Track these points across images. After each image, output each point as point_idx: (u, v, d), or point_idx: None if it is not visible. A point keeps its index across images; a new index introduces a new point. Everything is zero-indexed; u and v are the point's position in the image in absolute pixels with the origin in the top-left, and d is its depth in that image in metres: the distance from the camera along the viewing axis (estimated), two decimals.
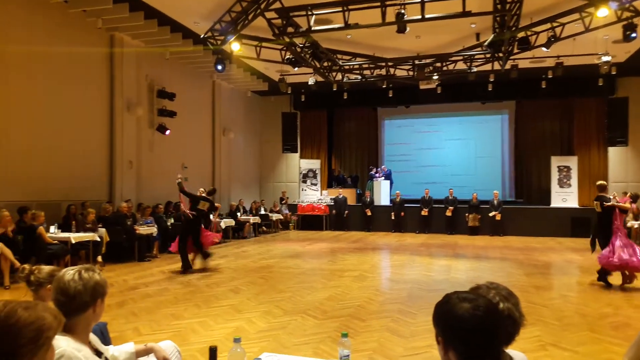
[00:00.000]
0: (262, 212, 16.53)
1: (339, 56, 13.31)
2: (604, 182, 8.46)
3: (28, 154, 9.42)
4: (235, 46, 11.06)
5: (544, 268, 9.59)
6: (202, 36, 11.10)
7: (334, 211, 17.50)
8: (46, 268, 2.81)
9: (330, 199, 17.86)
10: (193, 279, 8.06)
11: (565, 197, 16.41)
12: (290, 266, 9.40)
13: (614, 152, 16.55)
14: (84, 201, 10.15)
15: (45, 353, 1.30)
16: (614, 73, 13.16)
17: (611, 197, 8.06)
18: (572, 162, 16.61)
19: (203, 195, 9.36)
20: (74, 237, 8.65)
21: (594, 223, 8.77)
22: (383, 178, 17.93)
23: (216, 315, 5.67)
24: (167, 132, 13.00)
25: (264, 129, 19.55)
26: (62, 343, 1.88)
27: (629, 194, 14.01)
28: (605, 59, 11.73)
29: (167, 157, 13.34)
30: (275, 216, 16.98)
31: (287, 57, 12.17)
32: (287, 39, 10.85)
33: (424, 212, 16.61)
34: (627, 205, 7.90)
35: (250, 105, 18.55)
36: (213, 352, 2.08)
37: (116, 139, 11.56)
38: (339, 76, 14.42)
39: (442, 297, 1.54)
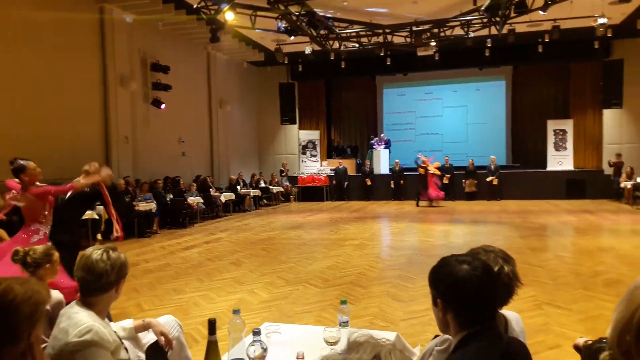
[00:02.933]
0: (262, 184, 16.63)
1: (336, 24, 13.14)
2: None
3: (17, 130, 9.09)
4: (229, 15, 10.90)
5: (539, 230, 9.79)
6: (195, 6, 10.92)
7: (334, 182, 17.61)
8: (40, 248, 2.86)
9: (330, 169, 17.94)
10: (194, 253, 8.20)
11: (561, 160, 16.54)
12: (292, 237, 9.55)
13: (608, 115, 16.58)
14: None
15: (40, 326, 1.32)
16: (610, 35, 13.07)
17: None
18: (568, 125, 16.66)
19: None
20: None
21: None
22: (383, 147, 17.97)
23: (218, 288, 5.78)
24: (163, 106, 12.95)
25: (261, 100, 19.43)
26: (86, 318, 1.93)
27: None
28: (601, 21, 11.63)
29: (163, 132, 13.33)
30: (275, 188, 17.09)
31: (283, 25, 12.01)
32: (282, 7, 10.70)
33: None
34: None
35: (246, 76, 18.39)
36: (212, 324, 2.08)
37: (110, 114, 11.50)
38: (336, 45, 14.26)
39: (439, 260, 1.57)
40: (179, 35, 13.80)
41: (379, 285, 5.67)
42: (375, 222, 11.82)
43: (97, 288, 2.00)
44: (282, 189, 17.45)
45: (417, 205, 15.00)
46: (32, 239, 4.30)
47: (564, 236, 9.25)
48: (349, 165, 17.92)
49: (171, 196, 11.89)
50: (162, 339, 2.38)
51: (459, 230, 10.00)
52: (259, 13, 11.45)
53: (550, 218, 11.54)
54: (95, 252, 2.03)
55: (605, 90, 16.40)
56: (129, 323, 2.42)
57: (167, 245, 9.14)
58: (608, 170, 15.64)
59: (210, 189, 13.41)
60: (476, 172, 16.40)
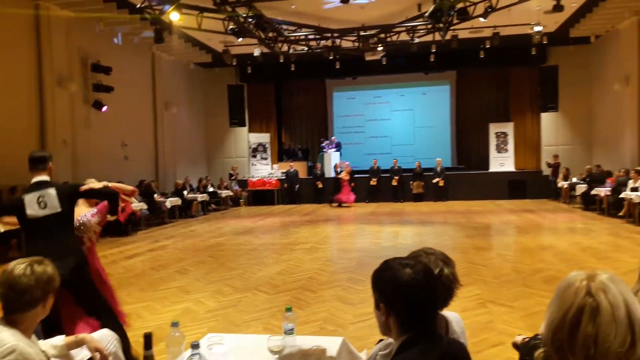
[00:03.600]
0: (211, 189, 16.28)
1: (284, 27, 13.10)
2: None
3: None
4: (174, 16, 10.60)
5: (483, 230, 10.14)
6: (138, 5, 10.55)
7: (285, 185, 17.51)
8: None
9: (282, 172, 17.82)
10: (137, 262, 7.88)
11: (502, 162, 17.25)
12: (241, 243, 9.38)
13: (546, 118, 17.46)
14: (13, 186, 9.43)
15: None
16: (545, 42, 13.83)
17: None
18: (509, 128, 17.40)
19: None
20: (3, 226, 7.93)
21: None
22: (334, 150, 18.07)
23: (163, 298, 5.58)
24: (104, 108, 12.43)
25: (209, 102, 19.03)
26: (10, 338, 1.80)
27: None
28: (537, 28, 12.27)
29: (105, 135, 12.77)
30: (224, 193, 16.78)
31: (230, 27, 11.83)
32: (229, 9, 10.53)
33: (373, 182, 16.97)
34: None
35: (193, 77, 17.98)
36: (148, 338, 1.98)
37: (47, 116, 10.87)
38: (285, 47, 14.21)
39: (381, 264, 1.56)
40: (122, 35, 13.29)
41: (329, 289, 5.65)
42: (327, 225, 11.83)
43: (21, 305, 1.86)
44: (232, 193, 17.16)
45: (331, 205, 16.07)
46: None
47: (507, 235, 9.62)
48: (300, 168, 17.89)
49: None
50: (97, 355, 2.24)
51: (407, 231, 10.18)
52: (205, 14, 11.22)
53: (494, 218, 11.98)
54: (17, 266, 1.89)
55: (543, 94, 17.27)
56: (60, 340, 2.26)
57: (108, 255, 8.72)
58: (546, 171, 16.44)
59: (155, 194, 12.98)
60: (423, 174, 16.81)
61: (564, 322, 1.09)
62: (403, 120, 19.80)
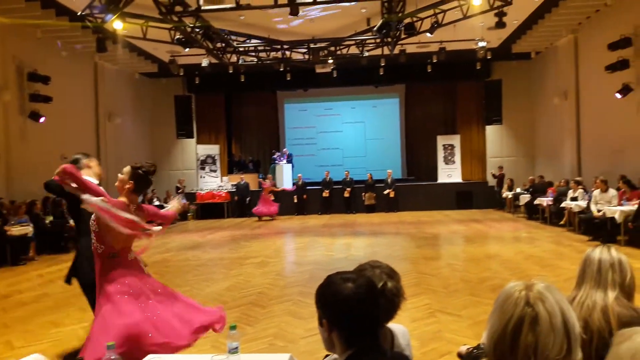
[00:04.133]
0: (156, 202, 15.73)
1: (233, 38, 12.94)
2: None
3: None
4: (117, 24, 10.22)
5: (433, 240, 10.30)
6: (79, 13, 10.11)
7: (235, 198, 17.18)
8: None
9: (232, 185, 17.49)
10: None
11: (450, 173, 17.73)
12: (189, 258, 9.06)
13: (490, 130, 18.13)
14: None
15: None
16: (489, 57, 14.37)
17: None
18: (456, 140, 17.94)
19: None
20: None
21: None
22: (285, 162, 17.94)
23: None
24: (42, 119, 11.78)
25: (155, 113, 18.47)
26: None
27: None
28: (481, 44, 12.74)
29: (43, 148, 12.06)
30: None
31: (177, 37, 11.56)
32: (175, 19, 10.28)
33: (325, 194, 16.98)
34: None
35: (139, 88, 17.41)
36: None
37: None
38: (234, 58, 14.05)
39: (325, 278, 1.53)
40: (62, 44, 12.68)
41: (279, 304, 5.52)
42: (278, 238, 11.67)
43: None
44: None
45: (259, 219, 15.86)
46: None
47: (455, 245, 9.81)
48: (251, 180, 17.62)
49: (51, 218, 10.77)
50: None
51: (360, 243, 10.19)
52: (150, 23, 10.90)
53: (442, 228, 12.22)
54: None
55: (487, 108, 17.94)
56: None
57: (46, 273, 8.20)
58: (492, 182, 17.02)
59: None
60: (375, 186, 16.98)
61: (505, 332, 1.11)
62: (354, 133, 20.00)
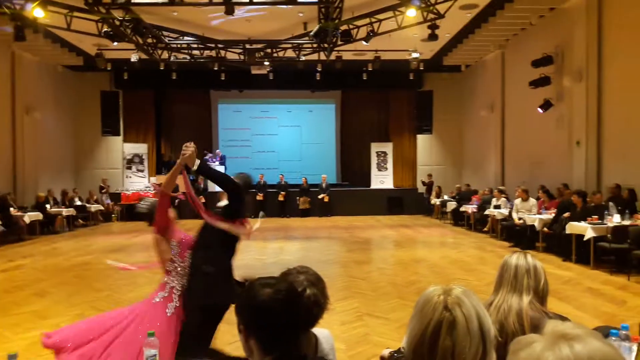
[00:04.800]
0: (78, 202, 14.81)
1: (165, 33, 12.48)
2: None
3: None
4: (38, 12, 9.52)
5: (364, 244, 10.45)
6: None
7: None
8: None
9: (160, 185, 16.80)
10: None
11: (382, 179, 18.16)
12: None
13: (421, 139, 18.78)
14: None
15: None
16: (422, 68, 14.90)
17: None
18: (388, 148, 18.41)
19: None
20: None
21: None
22: (218, 163, 17.52)
23: (14, 324, 4.93)
24: None
25: (79, 109, 17.39)
26: None
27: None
28: (414, 55, 13.19)
29: None
30: (94, 207, 15.36)
31: (105, 30, 10.97)
32: (102, 10, 9.74)
33: (259, 197, 16.77)
34: None
35: (61, 81, 16.33)
36: None
37: None
38: (166, 55, 13.55)
39: (247, 284, 1.49)
40: None
41: None
42: None
43: None
44: (102, 208, 15.79)
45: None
46: (153, 299, 3.12)
47: (385, 249, 10.02)
48: (180, 181, 16.94)
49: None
50: None
51: (292, 247, 10.14)
52: (75, 14, 10.26)
53: (374, 232, 12.45)
54: None
55: (418, 117, 18.59)
56: None
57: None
58: (421, 189, 17.61)
59: (12, 208, 11.46)
60: (309, 190, 17.02)
61: (424, 336, 1.13)
62: (290, 136, 19.94)
